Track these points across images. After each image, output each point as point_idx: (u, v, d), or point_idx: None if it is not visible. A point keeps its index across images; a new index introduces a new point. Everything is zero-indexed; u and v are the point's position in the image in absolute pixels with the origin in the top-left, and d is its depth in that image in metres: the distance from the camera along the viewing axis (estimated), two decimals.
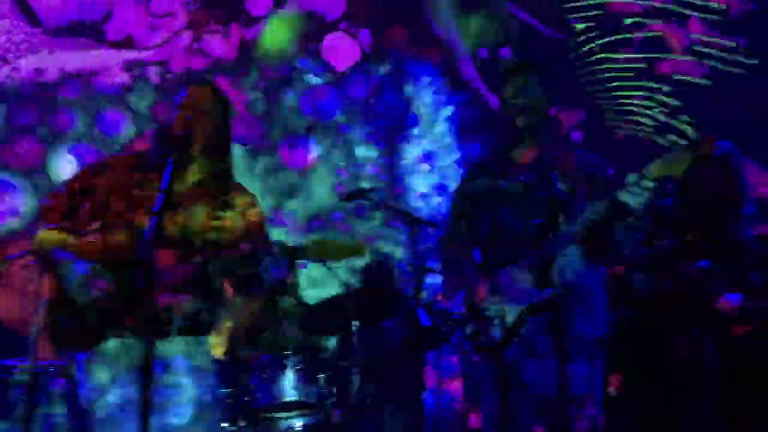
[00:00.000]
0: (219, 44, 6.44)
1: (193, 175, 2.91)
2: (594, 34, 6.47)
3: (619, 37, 6.43)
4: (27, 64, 6.19)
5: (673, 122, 6.29)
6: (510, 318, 2.90)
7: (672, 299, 3.44)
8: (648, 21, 6.38)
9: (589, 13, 6.46)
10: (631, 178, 2.67)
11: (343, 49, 6.50)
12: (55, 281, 2.77)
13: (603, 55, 6.45)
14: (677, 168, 2.62)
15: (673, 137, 6.11)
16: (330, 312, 4.71)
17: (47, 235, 2.80)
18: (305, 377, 4.28)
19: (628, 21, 6.44)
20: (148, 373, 2.37)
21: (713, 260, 3.34)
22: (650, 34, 6.36)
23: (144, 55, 6.35)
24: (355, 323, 4.43)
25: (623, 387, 3.66)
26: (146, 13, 6.40)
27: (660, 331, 3.50)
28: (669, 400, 3.47)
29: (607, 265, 3.02)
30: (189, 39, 6.43)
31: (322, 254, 2.79)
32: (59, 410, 4.34)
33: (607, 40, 6.45)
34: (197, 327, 2.82)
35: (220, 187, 2.92)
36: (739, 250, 3.43)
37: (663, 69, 6.37)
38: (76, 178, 2.94)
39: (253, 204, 3.00)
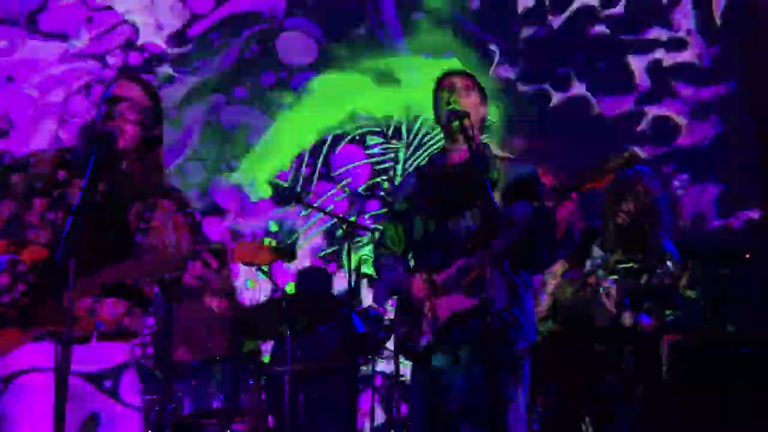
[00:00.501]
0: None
1: (121, 174, 2.78)
2: None
3: None
4: None
5: None
6: (439, 324, 2.89)
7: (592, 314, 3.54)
8: None
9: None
10: (558, 189, 2.69)
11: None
12: None
13: None
14: (600, 181, 2.66)
15: None
16: (264, 316, 4.63)
17: None
18: (236, 383, 4.20)
19: None
20: (64, 378, 2.28)
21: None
22: None
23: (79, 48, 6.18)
24: (289, 328, 4.36)
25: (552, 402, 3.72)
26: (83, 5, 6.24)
27: (585, 344, 3.58)
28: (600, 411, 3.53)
29: (531, 274, 3.03)
30: (127, 33, 6.28)
31: (247, 258, 2.72)
32: None
33: None
34: (120, 331, 2.72)
35: (149, 188, 2.81)
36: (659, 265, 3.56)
37: None
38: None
39: (183, 206, 2.90)
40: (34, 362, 2.56)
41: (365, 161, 6.34)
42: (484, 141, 3.24)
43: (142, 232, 2.75)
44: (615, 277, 3.53)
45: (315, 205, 5.76)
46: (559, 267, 3.65)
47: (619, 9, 6.33)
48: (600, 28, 6.34)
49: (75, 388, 2.47)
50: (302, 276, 5.31)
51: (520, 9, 6.39)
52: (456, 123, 2.93)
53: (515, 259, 2.89)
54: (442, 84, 3.11)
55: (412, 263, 3.16)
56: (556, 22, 6.38)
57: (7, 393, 2.58)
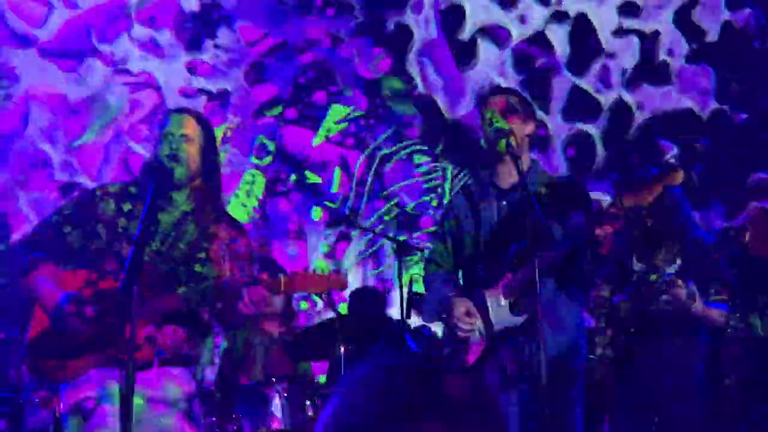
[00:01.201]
0: None
1: (181, 205, 2.89)
2: None
3: None
4: None
5: None
6: (484, 341, 2.90)
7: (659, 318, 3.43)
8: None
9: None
10: (603, 208, 2.70)
11: None
12: (41, 311, 2.77)
13: None
14: (647, 198, 2.66)
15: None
16: (317, 338, 4.69)
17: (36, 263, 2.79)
18: (292, 405, 4.25)
19: None
20: (128, 402, 2.38)
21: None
22: None
23: None
24: (343, 349, 4.41)
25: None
26: None
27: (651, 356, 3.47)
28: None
29: (582, 292, 3.03)
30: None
31: (305, 287, 2.80)
32: None
33: None
34: (180, 357, 2.81)
35: (208, 218, 2.90)
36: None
37: None
38: (64, 207, 2.93)
39: (240, 235, 2.98)
40: (101, 387, 2.67)
41: (413, 180, 6.39)
42: (533, 157, 3.26)
43: (200, 262, 2.84)
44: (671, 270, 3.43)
45: (365, 225, 5.83)
46: (606, 294, 3.58)
47: None
48: None
49: (139, 412, 2.57)
50: (355, 297, 5.36)
51: None
52: (502, 142, 2.96)
53: (563, 273, 2.90)
54: (485, 103, 3.15)
55: (461, 281, 3.20)
56: None
57: (76, 417, 2.69)
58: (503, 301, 2.91)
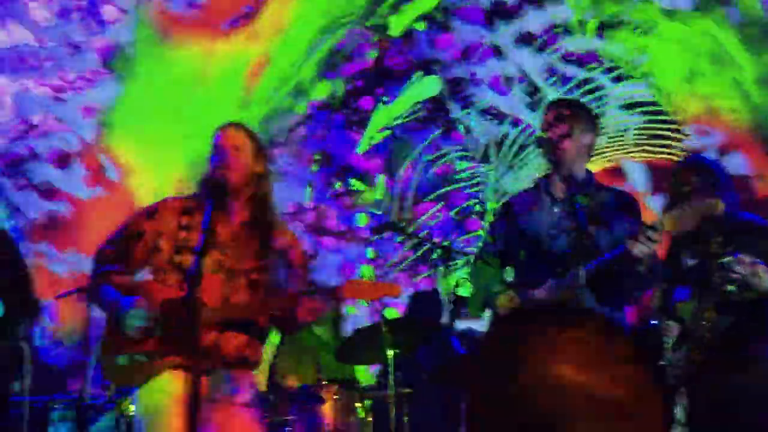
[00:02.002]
0: None
1: (237, 215, 3.01)
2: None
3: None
4: None
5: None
6: None
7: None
8: None
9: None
10: (644, 228, 2.75)
11: None
12: (109, 318, 2.93)
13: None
14: (689, 224, 2.71)
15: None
16: (366, 341, 4.77)
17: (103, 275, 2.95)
18: (344, 407, 4.35)
19: None
20: (195, 405, 2.49)
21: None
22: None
23: None
24: (392, 352, 4.49)
25: None
26: None
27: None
28: None
29: (619, 303, 3.07)
30: None
31: (357, 294, 2.88)
32: None
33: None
34: (242, 362, 2.94)
35: (264, 227, 3.02)
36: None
37: None
38: (128, 223, 3.07)
39: (294, 244, 3.10)
40: (170, 391, 2.79)
41: (456, 186, 6.47)
42: (587, 167, 3.29)
43: (257, 271, 2.96)
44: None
45: (410, 231, 5.91)
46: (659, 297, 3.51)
47: None
48: None
49: (206, 415, 2.69)
50: (414, 300, 5.45)
51: None
52: (545, 153, 3.06)
53: (605, 285, 2.95)
54: (543, 115, 3.25)
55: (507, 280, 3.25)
56: None
57: (146, 420, 2.83)
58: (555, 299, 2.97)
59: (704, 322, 3.22)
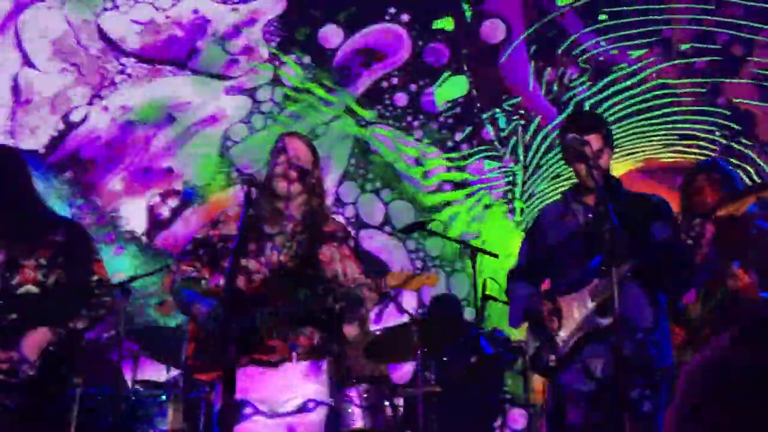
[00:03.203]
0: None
1: (294, 217, 3.20)
2: (650, 60, 6.51)
3: (677, 62, 6.46)
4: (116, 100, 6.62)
5: (735, 146, 6.27)
6: (568, 342, 3.01)
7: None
8: (705, 46, 6.41)
9: (644, 40, 6.51)
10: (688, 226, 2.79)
11: None
12: (191, 319, 3.16)
13: (660, 81, 6.49)
14: (742, 208, 2.75)
15: (735, 161, 6.08)
16: (395, 340, 4.81)
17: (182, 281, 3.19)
18: (371, 406, 4.39)
19: (684, 47, 6.47)
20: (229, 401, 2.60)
21: None
22: (710, 59, 6.39)
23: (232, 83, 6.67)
24: (420, 351, 4.53)
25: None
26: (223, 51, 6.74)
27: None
28: None
29: (669, 298, 3.11)
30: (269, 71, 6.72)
31: (399, 284, 3.01)
32: None
33: (663, 65, 6.48)
34: (312, 353, 3.08)
35: (318, 225, 3.20)
36: None
37: (723, 94, 6.38)
38: (198, 233, 3.32)
39: (346, 237, 3.27)
40: (243, 388, 2.94)
41: (483, 185, 6.49)
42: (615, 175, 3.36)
43: (312, 266, 3.12)
44: None
45: (439, 230, 5.93)
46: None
47: None
48: None
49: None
50: (435, 301, 5.49)
51: None
52: (580, 164, 3.09)
53: (652, 280, 2.99)
54: (566, 125, 3.28)
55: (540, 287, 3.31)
56: None
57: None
58: (590, 303, 3.02)
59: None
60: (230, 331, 2.69)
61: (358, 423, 4.36)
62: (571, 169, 3.26)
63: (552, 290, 3.22)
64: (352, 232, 3.61)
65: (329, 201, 6.29)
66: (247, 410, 3.01)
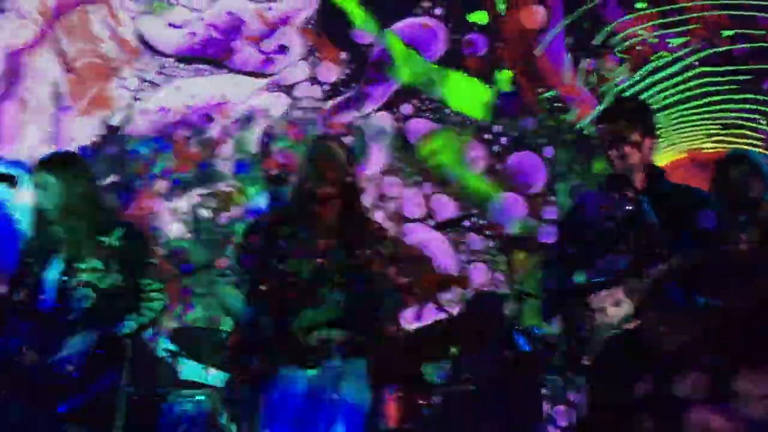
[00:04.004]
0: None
1: (330, 220, 3.19)
2: (691, 48, 6.37)
3: (720, 50, 6.31)
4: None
5: None
6: (604, 338, 2.95)
7: None
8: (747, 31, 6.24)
9: (685, 27, 6.37)
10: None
11: None
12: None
13: (702, 69, 6.34)
14: None
15: None
16: (431, 338, 4.80)
17: None
18: (407, 404, 4.38)
19: (726, 33, 6.31)
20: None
21: None
22: (754, 45, 6.22)
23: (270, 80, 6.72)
24: (456, 350, 4.51)
25: None
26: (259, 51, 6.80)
27: None
28: None
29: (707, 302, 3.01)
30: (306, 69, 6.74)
31: (433, 284, 3.03)
32: None
33: (705, 53, 6.33)
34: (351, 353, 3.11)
35: (355, 226, 3.19)
36: None
37: (767, 80, 6.21)
38: (236, 238, 3.42)
39: (383, 236, 3.26)
40: (285, 387, 3.01)
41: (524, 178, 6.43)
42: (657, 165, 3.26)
43: (349, 268, 3.11)
44: None
45: (479, 223, 5.90)
46: None
47: None
48: None
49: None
50: (475, 299, 5.45)
51: None
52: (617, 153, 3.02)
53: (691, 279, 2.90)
54: (607, 115, 3.20)
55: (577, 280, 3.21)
56: None
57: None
58: (625, 303, 2.95)
59: None
60: (265, 335, 2.73)
61: (394, 422, 4.36)
62: (610, 158, 3.12)
63: (587, 284, 3.11)
64: (393, 229, 3.61)
65: (372, 197, 6.31)
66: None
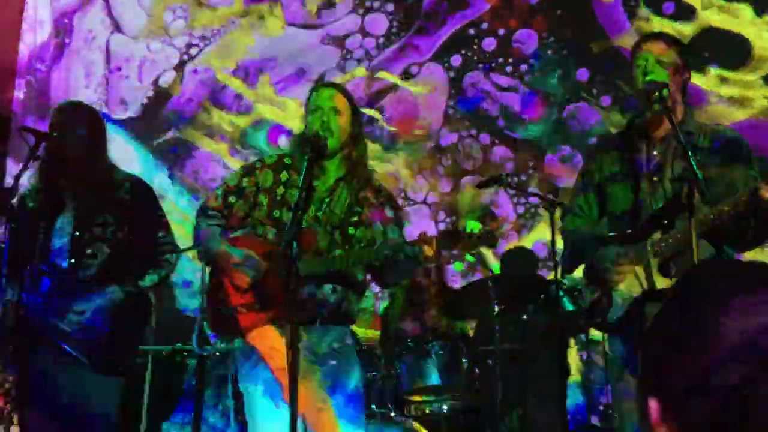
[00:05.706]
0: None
1: (333, 172, 3.07)
2: None
3: None
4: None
5: None
6: (627, 299, 2.81)
7: None
8: None
9: None
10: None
11: None
12: (213, 270, 3.06)
13: None
14: None
15: None
16: (473, 297, 4.78)
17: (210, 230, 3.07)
18: (449, 362, 4.37)
19: None
20: (294, 357, 2.55)
21: None
22: None
23: None
24: (498, 308, 4.48)
25: None
26: None
27: None
28: None
29: (736, 252, 2.85)
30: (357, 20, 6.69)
31: (456, 245, 2.86)
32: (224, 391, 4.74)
33: None
34: (340, 315, 3.00)
35: (358, 183, 3.07)
36: None
37: None
38: (228, 179, 3.18)
39: (388, 199, 3.13)
40: (273, 343, 2.89)
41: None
42: (688, 107, 3.05)
43: (354, 225, 3.01)
44: None
45: (515, 185, 5.82)
46: None
47: None
48: None
49: (305, 366, 2.79)
50: (508, 257, 5.39)
51: None
52: (655, 95, 2.82)
53: (723, 233, 2.73)
54: (640, 50, 2.99)
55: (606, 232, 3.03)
56: None
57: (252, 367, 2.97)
58: (652, 259, 2.79)
59: None
60: (295, 289, 2.59)
61: (435, 380, 4.37)
62: (642, 99, 2.92)
63: (612, 236, 2.92)
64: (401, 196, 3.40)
65: (432, 143, 6.21)
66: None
